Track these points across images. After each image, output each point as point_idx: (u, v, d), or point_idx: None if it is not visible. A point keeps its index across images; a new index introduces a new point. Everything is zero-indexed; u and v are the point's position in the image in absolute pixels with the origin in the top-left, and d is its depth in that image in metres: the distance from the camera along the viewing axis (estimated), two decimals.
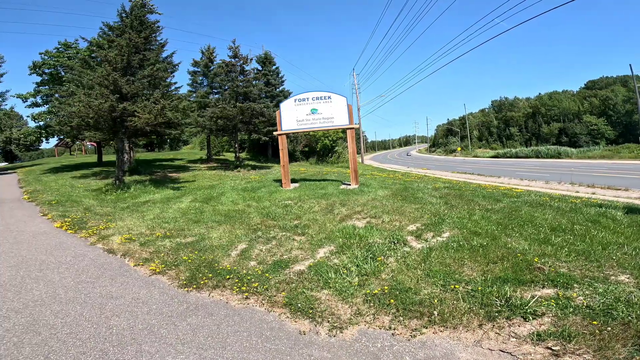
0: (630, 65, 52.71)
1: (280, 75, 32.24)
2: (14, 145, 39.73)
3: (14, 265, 4.82)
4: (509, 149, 67.25)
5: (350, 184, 11.57)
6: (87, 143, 43.82)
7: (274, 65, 32.11)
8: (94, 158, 27.64)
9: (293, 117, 11.63)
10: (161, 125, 13.84)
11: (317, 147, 30.95)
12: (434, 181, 13.93)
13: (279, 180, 13.20)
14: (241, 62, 23.07)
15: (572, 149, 55.98)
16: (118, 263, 4.86)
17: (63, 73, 22.44)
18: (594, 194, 12.14)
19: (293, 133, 12.47)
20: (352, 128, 11.62)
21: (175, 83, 20.77)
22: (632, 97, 59.53)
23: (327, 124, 11.62)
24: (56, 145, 50.31)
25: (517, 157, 57.44)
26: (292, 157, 32.94)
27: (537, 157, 54.34)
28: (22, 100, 24.19)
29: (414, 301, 3.35)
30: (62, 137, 24.74)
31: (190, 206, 8.31)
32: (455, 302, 3.30)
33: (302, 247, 4.98)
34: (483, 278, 3.74)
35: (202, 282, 4.05)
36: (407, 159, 67.60)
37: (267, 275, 4.12)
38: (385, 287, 3.62)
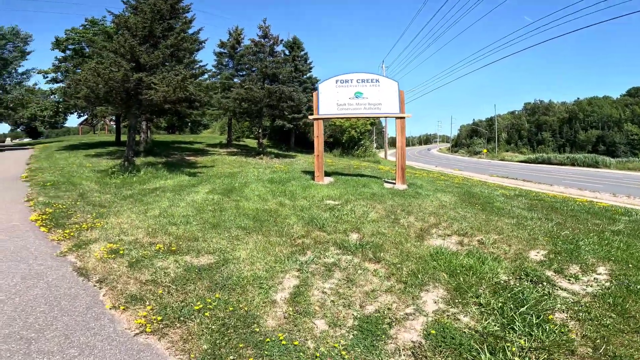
0: None
1: (308, 61, 30.29)
2: (39, 122, 39.56)
3: None
4: (540, 154, 63.27)
5: (395, 183, 9.75)
6: (110, 122, 43.26)
7: (302, 50, 30.19)
8: (113, 137, 26.67)
9: (333, 100, 9.86)
10: (181, 102, 12.30)
11: (343, 139, 28.97)
12: (483, 185, 11.89)
13: (309, 172, 11.48)
14: (271, 42, 21.36)
15: (611, 159, 52.11)
16: (87, 299, 2.96)
17: (87, 49, 21.44)
18: None
19: (333, 118, 10.68)
20: (403, 117, 9.74)
21: (200, 61, 19.37)
22: None
23: (374, 111, 9.81)
24: (80, 124, 50.12)
25: (549, 163, 53.90)
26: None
27: (573, 164, 50.79)
28: (43, 76, 23.48)
29: None
30: (77, 111, 23.70)
31: (207, 199, 6.64)
32: None
33: (390, 289, 3.19)
34: None
35: None
36: (430, 158, 64.75)
37: None
38: None
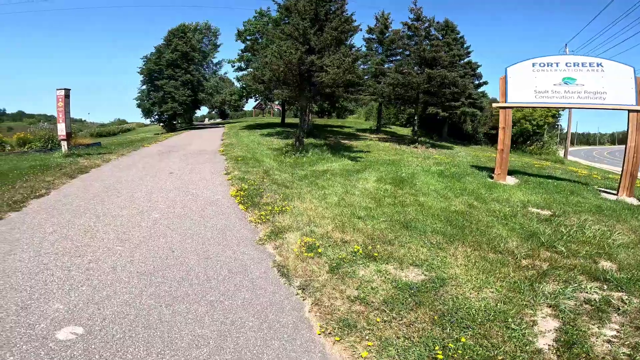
0: None
1: (465, 45, 26.56)
2: (227, 106, 49.11)
3: (143, 271, 3.09)
4: None
5: (617, 194, 7.18)
6: (275, 107, 49.81)
7: (458, 34, 26.58)
8: (278, 119, 30.24)
9: (529, 86, 8.01)
10: (344, 85, 12.39)
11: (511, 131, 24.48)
12: None
13: (479, 167, 9.78)
14: (426, 24, 19.42)
15: None
16: (293, 315, 2.58)
17: (261, 39, 24.27)
18: None
19: (528, 107, 8.62)
20: None
21: (355, 45, 19.31)
22: None
23: (593, 101, 7.51)
24: (254, 107, 59.97)
25: None
26: (472, 139, 27.57)
27: None
28: (231, 65, 27.68)
29: None
30: (256, 96, 27.45)
31: (380, 189, 6.17)
32: None
33: None
34: None
35: None
36: None
37: None
38: None
